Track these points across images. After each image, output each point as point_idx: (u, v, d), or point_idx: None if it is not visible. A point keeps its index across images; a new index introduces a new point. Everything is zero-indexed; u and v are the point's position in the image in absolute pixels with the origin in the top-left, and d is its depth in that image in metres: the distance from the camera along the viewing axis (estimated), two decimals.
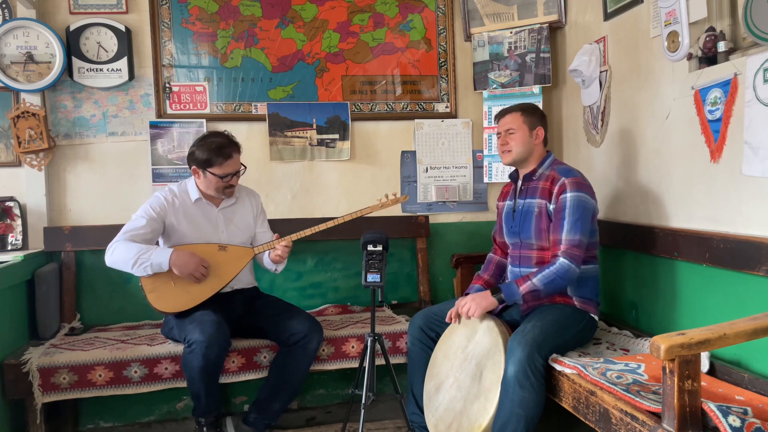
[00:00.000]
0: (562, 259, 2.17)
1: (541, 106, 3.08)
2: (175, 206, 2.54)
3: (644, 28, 2.46)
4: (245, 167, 2.58)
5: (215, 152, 2.45)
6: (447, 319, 2.33)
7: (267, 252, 2.60)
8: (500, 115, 2.45)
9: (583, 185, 2.27)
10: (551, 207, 2.28)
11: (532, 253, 2.34)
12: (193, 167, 2.52)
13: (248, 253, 2.55)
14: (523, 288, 2.17)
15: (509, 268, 2.46)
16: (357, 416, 2.24)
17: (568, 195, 2.23)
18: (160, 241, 2.56)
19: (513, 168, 2.51)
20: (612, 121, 2.74)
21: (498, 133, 2.44)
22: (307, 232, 2.53)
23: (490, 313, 2.28)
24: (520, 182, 2.45)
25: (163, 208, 2.50)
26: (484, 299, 2.22)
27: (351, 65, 3.21)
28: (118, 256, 2.37)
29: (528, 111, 2.41)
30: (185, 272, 2.37)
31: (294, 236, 2.53)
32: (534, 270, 2.24)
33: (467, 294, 2.44)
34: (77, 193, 2.98)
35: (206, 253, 2.47)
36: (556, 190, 2.27)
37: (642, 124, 2.51)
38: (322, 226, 2.54)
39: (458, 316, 2.30)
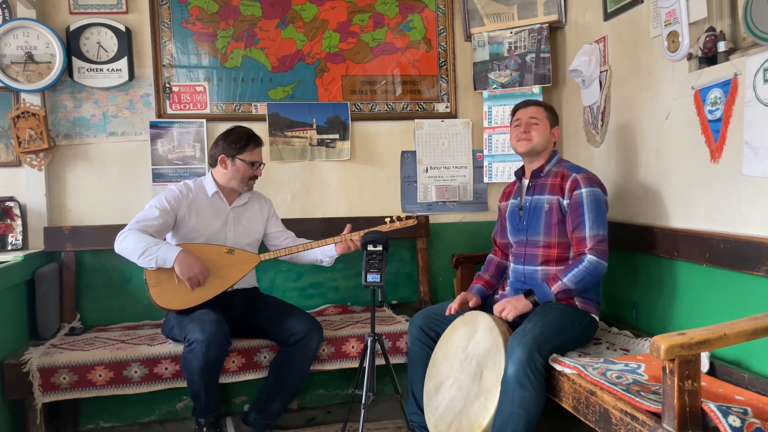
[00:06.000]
0: (590, 257, 2.20)
1: None
2: (189, 200, 2.56)
3: (644, 28, 2.46)
4: (264, 163, 2.67)
5: (246, 139, 2.57)
6: (447, 313, 2.37)
7: (325, 247, 2.60)
8: (523, 105, 2.45)
9: (595, 180, 2.30)
10: (565, 202, 2.29)
11: (538, 251, 2.35)
12: (221, 157, 2.57)
13: (254, 259, 2.57)
14: (555, 288, 2.21)
15: (512, 266, 2.46)
16: (357, 416, 2.24)
17: (584, 191, 2.26)
18: (169, 234, 2.56)
19: (517, 167, 2.52)
20: (612, 121, 2.74)
21: (517, 121, 2.42)
22: (362, 233, 2.51)
23: (491, 313, 2.29)
24: (527, 180, 2.45)
25: (177, 200, 2.53)
26: (519, 302, 2.24)
27: (351, 65, 3.21)
28: (127, 244, 2.38)
29: (550, 109, 2.45)
30: (185, 275, 2.37)
31: (361, 232, 2.51)
32: (554, 269, 2.29)
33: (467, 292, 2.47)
34: (77, 193, 2.98)
35: (213, 254, 2.48)
36: (568, 185, 2.29)
37: (642, 124, 2.51)
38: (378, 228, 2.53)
39: (459, 305, 2.38)
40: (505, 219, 2.53)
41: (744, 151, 1.93)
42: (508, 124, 2.57)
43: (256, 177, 2.63)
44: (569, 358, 2.08)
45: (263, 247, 2.79)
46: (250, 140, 2.57)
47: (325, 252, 2.65)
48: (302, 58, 3.16)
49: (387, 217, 2.62)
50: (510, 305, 2.24)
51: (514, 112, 2.48)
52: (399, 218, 2.60)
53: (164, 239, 2.52)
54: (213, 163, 2.61)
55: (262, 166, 2.64)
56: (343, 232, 2.60)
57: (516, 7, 3.16)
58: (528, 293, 2.25)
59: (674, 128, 2.31)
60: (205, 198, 2.60)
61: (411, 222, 2.62)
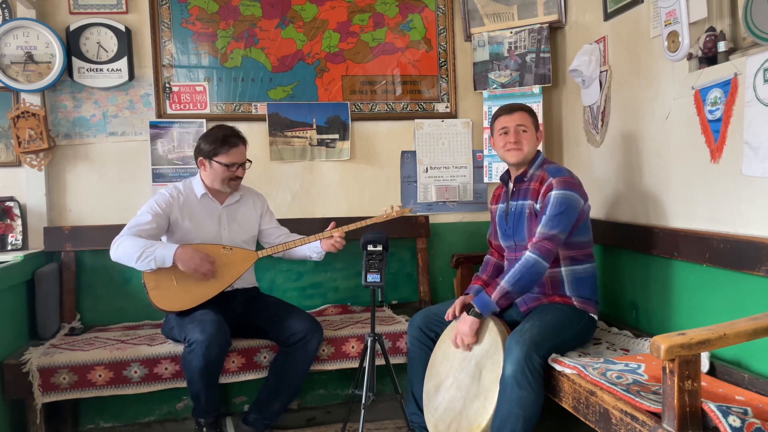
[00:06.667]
0: (528, 253, 2.14)
1: (541, 106, 3.09)
2: (180, 202, 2.55)
3: (644, 28, 2.45)
4: (251, 162, 2.63)
5: (221, 141, 2.52)
6: (447, 317, 2.34)
7: (313, 243, 2.61)
8: (506, 112, 2.38)
9: (570, 183, 2.24)
10: (537, 206, 2.27)
11: None
12: (200, 158, 2.56)
13: (252, 257, 2.56)
14: (495, 295, 2.15)
15: (507, 270, 2.45)
16: (357, 416, 2.24)
17: (553, 193, 2.21)
18: (164, 238, 2.56)
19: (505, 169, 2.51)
20: (612, 121, 2.74)
21: (503, 129, 2.36)
22: (351, 226, 2.57)
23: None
24: (511, 184, 2.44)
25: (168, 203, 2.52)
26: (465, 323, 2.18)
27: (351, 65, 3.21)
28: (123, 250, 2.37)
29: (532, 113, 2.41)
30: (190, 267, 2.37)
31: (347, 227, 2.57)
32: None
33: (467, 294, 2.45)
34: (77, 193, 2.98)
35: (211, 252, 2.48)
36: (543, 189, 2.26)
37: (642, 124, 2.51)
38: (369, 221, 2.59)
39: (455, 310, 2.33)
40: (497, 223, 2.53)
41: (744, 151, 1.93)
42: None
43: (238, 178, 2.59)
44: (569, 358, 2.08)
45: (259, 246, 2.78)
46: (225, 142, 2.51)
47: (313, 248, 2.66)
48: (302, 58, 3.16)
49: (383, 207, 2.61)
50: (461, 334, 2.18)
51: (496, 117, 2.41)
52: (393, 207, 2.59)
53: None
54: (197, 165, 2.61)
55: (246, 165, 2.60)
56: (327, 229, 2.59)
57: (516, 7, 3.15)
58: (467, 308, 2.20)
59: (674, 128, 2.31)
60: (196, 199, 2.60)
61: (407, 211, 2.61)
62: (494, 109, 3.18)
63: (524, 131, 2.34)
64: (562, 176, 2.25)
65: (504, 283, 2.15)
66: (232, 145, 2.53)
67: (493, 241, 2.61)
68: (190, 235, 2.54)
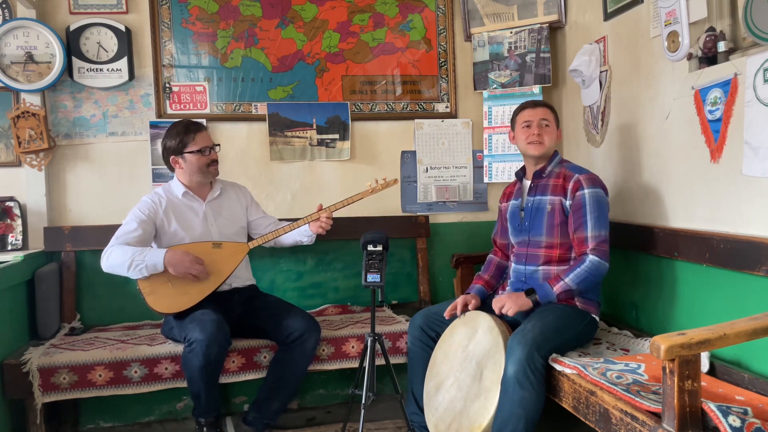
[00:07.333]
0: (592, 257, 2.20)
1: None
2: (163, 206, 2.56)
3: (644, 28, 2.46)
4: (219, 145, 2.66)
5: (184, 132, 2.55)
6: (446, 314, 2.35)
7: (303, 227, 2.62)
8: (531, 106, 2.42)
9: (597, 181, 2.31)
10: (567, 203, 2.29)
11: (540, 251, 2.34)
12: (172, 158, 2.57)
13: (243, 249, 2.57)
14: (557, 288, 2.21)
15: (513, 266, 2.45)
16: (357, 416, 2.24)
17: (586, 192, 2.26)
18: (154, 244, 2.56)
19: (516, 167, 2.52)
20: (612, 121, 2.74)
21: (527, 123, 2.39)
22: (338, 205, 2.59)
23: (491, 313, 2.29)
24: (528, 181, 2.45)
25: (151, 209, 2.53)
26: (520, 298, 2.24)
27: (351, 65, 3.21)
28: (113, 260, 2.38)
29: (554, 110, 2.45)
30: (180, 270, 2.37)
31: (334, 206, 2.59)
32: (555, 269, 2.29)
33: (468, 293, 2.46)
34: (77, 193, 2.99)
35: (200, 251, 2.48)
36: (570, 186, 2.29)
37: (642, 124, 2.52)
38: (355, 197, 2.62)
39: (455, 308, 2.35)
40: (506, 220, 2.53)
41: (744, 151, 1.93)
42: (508, 124, 2.55)
43: (214, 161, 2.60)
44: (569, 358, 2.08)
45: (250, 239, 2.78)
46: (189, 130, 2.55)
47: (302, 233, 2.67)
48: (302, 58, 3.16)
49: (368, 183, 2.63)
50: (511, 301, 2.23)
51: (519, 111, 2.45)
52: (377, 181, 2.61)
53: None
54: (171, 168, 2.62)
55: (216, 148, 2.62)
56: (314, 211, 2.60)
57: (516, 7, 3.15)
58: (529, 292, 2.25)
59: (674, 128, 2.31)
60: (178, 200, 2.60)
61: (392, 183, 2.63)
62: (494, 109, 3.22)
63: (546, 125, 2.38)
64: (587, 174, 2.31)
65: (569, 280, 2.20)
66: (195, 132, 2.55)
67: (498, 240, 2.61)
68: (178, 236, 2.55)
